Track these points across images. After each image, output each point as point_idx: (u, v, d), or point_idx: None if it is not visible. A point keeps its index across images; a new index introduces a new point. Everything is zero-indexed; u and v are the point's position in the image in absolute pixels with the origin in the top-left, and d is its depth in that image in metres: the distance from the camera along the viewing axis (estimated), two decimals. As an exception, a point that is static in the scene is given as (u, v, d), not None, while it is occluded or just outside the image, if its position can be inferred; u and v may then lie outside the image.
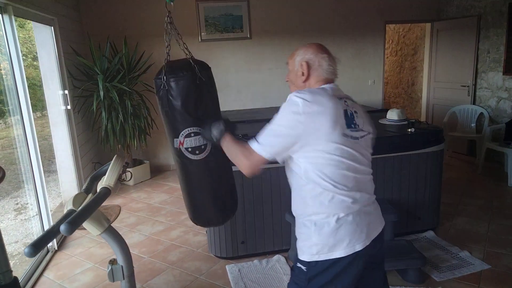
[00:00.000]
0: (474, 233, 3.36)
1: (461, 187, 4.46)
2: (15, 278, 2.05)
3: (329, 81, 1.56)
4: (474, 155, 5.48)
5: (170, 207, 4.24)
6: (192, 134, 1.68)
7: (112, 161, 1.33)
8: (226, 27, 5.44)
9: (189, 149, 1.76)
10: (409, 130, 3.20)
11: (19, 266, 3.04)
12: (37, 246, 1.12)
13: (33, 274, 2.92)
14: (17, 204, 4.48)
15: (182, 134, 1.72)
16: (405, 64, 7.62)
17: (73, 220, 1.13)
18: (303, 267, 1.48)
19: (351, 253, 1.42)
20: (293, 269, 1.54)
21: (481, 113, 5.32)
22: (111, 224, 1.45)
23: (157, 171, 5.56)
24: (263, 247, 3.08)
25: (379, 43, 5.98)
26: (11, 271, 2.03)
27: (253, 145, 1.42)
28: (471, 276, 2.70)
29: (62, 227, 1.11)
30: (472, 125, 5.43)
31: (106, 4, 5.09)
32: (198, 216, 1.86)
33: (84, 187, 1.35)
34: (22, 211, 4.32)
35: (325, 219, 1.43)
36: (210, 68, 1.72)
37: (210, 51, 5.46)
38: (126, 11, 5.13)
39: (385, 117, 3.65)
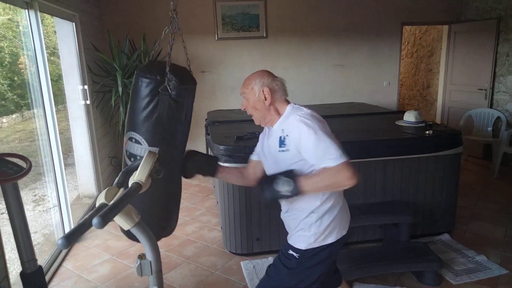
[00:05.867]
0: (491, 237, 3.34)
1: (476, 191, 4.43)
2: (40, 267, 2.12)
3: (287, 100, 1.73)
4: (489, 159, 5.42)
5: (184, 202, 4.27)
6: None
7: (144, 157, 1.36)
8: (243, 25, 5.46)
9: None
10: (427, 132, 3.19)
11: (39, 256, 3.08)
12: (70, 238, 1.14)
13: (52, 264, 2.99)
14: (35, 195, 4.57)
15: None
16: (420, 66, 7.56)
17: (105, 214, 1.15)
18: (295, 254, 1.67)
19: (339, 238, 1.68)
20: (284, 254, 1.72)
21: (498, 117, 5.27)
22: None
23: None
24: (277, 245, 3.10)
25: (395, 44, 5.95)
26: (36, 260, 2.10)
27: (336, 161, 1.47)
28: (488, 281, 2.69)
29: (95, 221, 1.12)
30: (488, 129, 5.38)
31: (126, 0, 5.15)
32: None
33: (116, 181, 1.38)
34: (40, 202, 4.41)
35: (324, 212, 1.64)
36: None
37: (226, 49, 5.49)
38: (145, 8, 5.19)
39: (402, 118, 3.65)
